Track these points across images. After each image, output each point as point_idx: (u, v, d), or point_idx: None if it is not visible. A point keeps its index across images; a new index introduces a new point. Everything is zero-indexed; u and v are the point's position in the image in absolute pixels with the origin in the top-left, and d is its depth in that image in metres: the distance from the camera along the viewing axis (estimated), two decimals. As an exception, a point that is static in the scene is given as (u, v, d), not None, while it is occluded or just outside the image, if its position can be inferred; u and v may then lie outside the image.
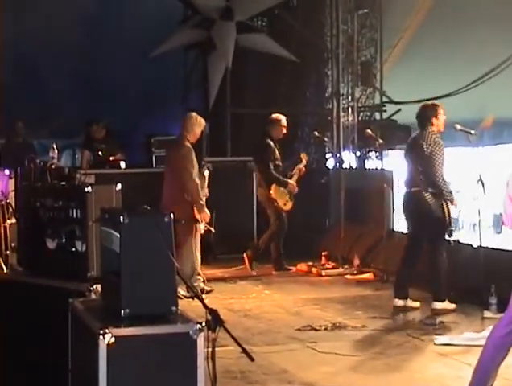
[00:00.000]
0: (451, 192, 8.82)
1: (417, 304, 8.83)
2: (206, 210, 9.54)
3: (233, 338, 4.21)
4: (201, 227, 9.61)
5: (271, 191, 11.01)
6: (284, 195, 11.11)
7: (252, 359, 4.30)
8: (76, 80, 15.05)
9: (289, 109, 13.02)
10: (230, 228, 11.83)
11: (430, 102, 9.34)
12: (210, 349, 4.04)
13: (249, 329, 8.07)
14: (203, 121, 9.77)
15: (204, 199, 9.55)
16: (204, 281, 9.83)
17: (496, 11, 14.50)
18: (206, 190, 9.80)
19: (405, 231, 10.38)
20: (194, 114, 9.82)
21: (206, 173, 9.90)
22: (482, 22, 14.73)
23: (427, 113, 8.80)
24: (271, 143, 10.92)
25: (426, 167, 8.64)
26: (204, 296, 9.13)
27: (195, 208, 9.43)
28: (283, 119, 10.97)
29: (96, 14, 15.25)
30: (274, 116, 11.03)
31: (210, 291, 9.80)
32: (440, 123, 8.77)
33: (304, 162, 11.23)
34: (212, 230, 10.32)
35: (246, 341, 7.08)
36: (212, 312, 4.13)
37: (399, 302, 8.82)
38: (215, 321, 4.09)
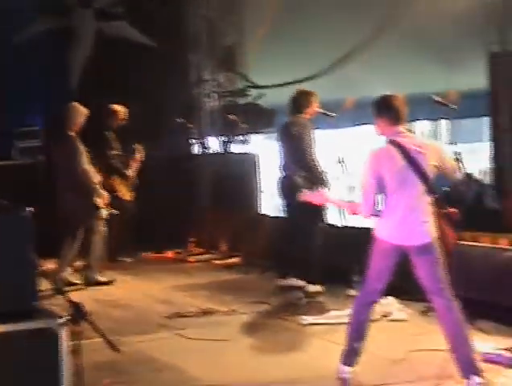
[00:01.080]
0: (323, 176, 8.96)
1: (300, 283, 8.93)
2: (103, 192, 9.71)
3: (98, 329, 4.19)
4: (104, 212, 9.73)
5: (111, 181, 10.86)
6: (123, 184, 11.02)
7: (117, 350, 4.29)
8: None
9: (152, 97, 12.94)
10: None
11: (304, 89, 9.40)
12: (75, 342, 3.99)
13: (118, 319, 8.01)
14: (84, 110, 9.78)
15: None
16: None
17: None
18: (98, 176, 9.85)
19: (273, 214, 10.52)
20: (75, 104, 9.84)
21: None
22: (341, 5, 15.03)
23: (302, 99, 8.89)
24: (109, 133, 10.81)
25: (297, 152, 8.73)
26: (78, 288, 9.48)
27: (94, 195, 9.57)
28: (121, 110, 10.91)
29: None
30: (111, 106, 10.94)
31: (76, 283, 9.76)
32: (313, 110, 8.86)
33: (139, 152, 11.06)
34: (116, 212, 10.21)
35: (115, 331, 7.00)
36: (76, 305, 4.09)
37: (282, 282, 8.91)
38: (78, 314, 4.05)
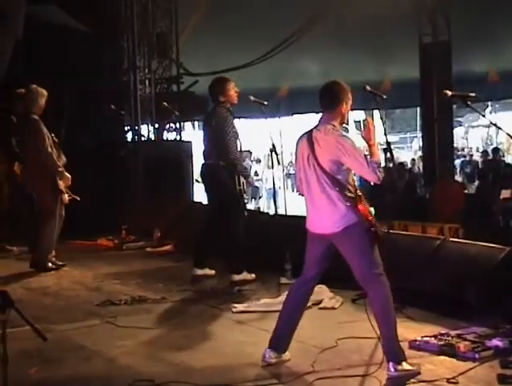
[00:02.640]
0: (244, 166, 8.97)
1: (212, 272, 8.97)
2: (66, 174, 9.69)
3: (24, 317, 4.15)
4: (65, 197, 9.67)
5: (15, 168, 10.72)
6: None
7: (44, 338, 4.26)
8: None
9: (84, 82, 12.81)
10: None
11: (220, 76, 9.38)
12: (0, 331, 3.94)
13: (48, 307, 7.92)
14: (44, 92, 9.72)
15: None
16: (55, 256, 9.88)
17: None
18: (64, 157, 9.84)
19: (204, 202, 10.51)
20: (34, 86, 9.73)
21: None
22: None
23: (216, 88, 8.86)
24: (14, 119, 10.53)
25: (217, 141, 8.72)
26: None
27: (57, 178, 9.51)
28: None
29: None
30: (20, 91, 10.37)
31: (63, 265, 9.81)
32: (231, 97, 8.83)
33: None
34: (78, 198, 10.07)
35: (44, 319, 6.99)
36: (2, 293, 4.04)
37: (198, 271, 8.94)
38: (5, 302, 4.00)
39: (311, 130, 5.65)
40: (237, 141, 8.70)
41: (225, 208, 8.78)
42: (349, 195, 5.50)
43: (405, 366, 5.40)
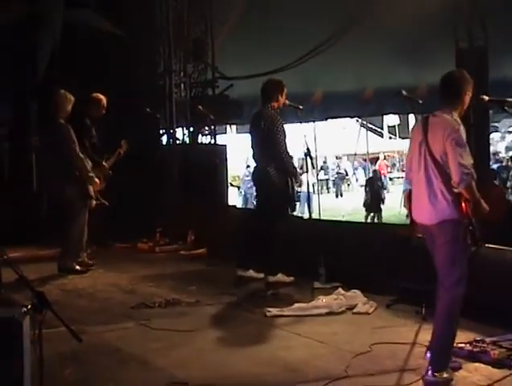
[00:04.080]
0: (294, 168, 8.96)
1: (260, 275, 8.94)
2: (96, 180, 9.84)
3: (60, 319, 4.17)
4: (93, 203, 9.81)
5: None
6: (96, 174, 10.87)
7: (80, 340, 4.28)
8: None
9: (121, 86, 12.87)
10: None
11: (274, 78, 9.39)
12: (37, 331, 3.98)
13: (83, 309, 7.98)
14: (72, 98, 9.81)
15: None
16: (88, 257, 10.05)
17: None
18: (90, 162, 9.96)
19: (239, 205, 10.53)
20: (63, 91, 9.82)
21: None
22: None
23: (271, 89, 8.88)
24: (87, 122, 10.44)
25: (266, 143, 8.72)
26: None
27: (87, 183, 9.66)
28: (104, 99, 10.50)
29: None
30: (95, 95, 10.52)
31: (92, 265, 9.98)
32: (282, 100, 8.85)
33: (124, 148, 10.87)
34: (106, 203, 10.15)
35: (79, 321, 7.01)
36: (38, 294, 4.07)
37: (241, 273, 8.92)
38: (41, 303, 4.04)
39: (428, 116, 5.54)
40: (286, 142, 8.69)
41: (272, 210, 8.78)
42: (454, 189, 5.35)
43: (444, 375, 5.33)
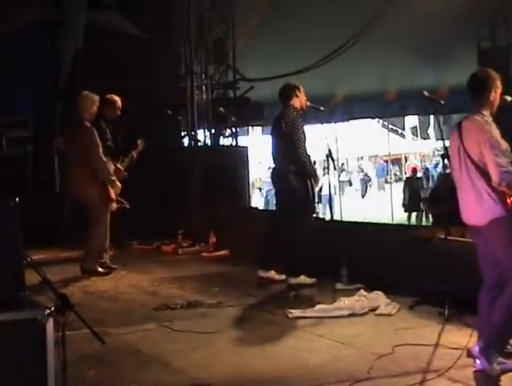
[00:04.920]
0: (314, 170, 8.96)
1: (282, 277, 8.93)
2: (118, 183, 9.82)
3: (83, 321, 4.18)
4: (114, 206, 9.81)
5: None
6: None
7: (103, 342, 4.29)
8: None
9: (142, 88, 12.92)
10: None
11: (292, 81, 9.41)
12: (60, 333, 3.99)
13: (105, 310, 8.00)
14: (96, 98, 9.77)
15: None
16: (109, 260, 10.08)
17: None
18: (112, 165, 10.01)
19: (261, 207, 10.53)
20: (87, 93, 9.78)
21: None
22: (328, 2, 15.07)
23: (287, 92, 8.90)
24: (103, 124, 10.21)
25: (287, 145, 8.73)
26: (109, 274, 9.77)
27: (108, 186, 9.65)
28: (119, 100, 10.37)
29: None
30: (110, 96, 10.35)
31: (115, 268, 9.97)
32: (302, 101, 8.87)
33: (140, 148, 10.82)
34: (127, 206, 10.21)
35: (102, 323, 7.06)
36: (61, 296, 4.08)
37: (263, 274, 8.93)
38: (64, 305, 4.05)
39: (461, 121, 5.60)
40: (306, 144, 8.69)
41: (293, 212, 8.77)
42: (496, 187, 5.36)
43: (496, 364, 5.38)
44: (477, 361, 5.41)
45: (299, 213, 8.75)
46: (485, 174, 5.38)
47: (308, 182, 8.69)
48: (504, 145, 5.37)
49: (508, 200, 5.33)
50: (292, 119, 8.72)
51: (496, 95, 5.61)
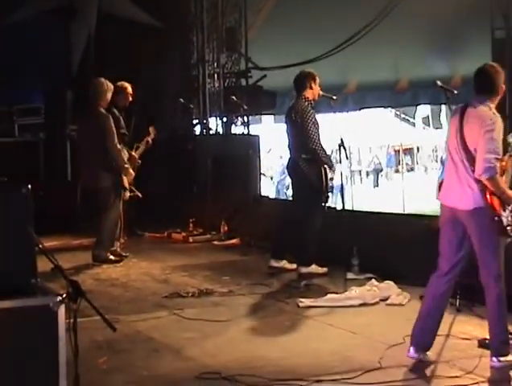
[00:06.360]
0: (329, 158, 8.95)
1: (293, 266, 8.93)
2: (131, 171, 9.87)
3: (95, 308, 4.19)
4: (127, 194, 9.84)
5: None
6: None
7: (114, 329, 4.28)
8: None
9: (154, 77, 12.92)
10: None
11: (305, 70, 9.37)
12: (72, 320, 4.00)
13: (116, 298, 8.01)
14: (111, 86, 9.73)
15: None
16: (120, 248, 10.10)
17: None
18: (126, 152, 10.02)
19: (272, 195, 10.52)
20: (102, 80, 9.71)
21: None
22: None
23: (302, 80, 8.88)
24: (116, 112, 10.13)
25: (300, 134, 8.74)
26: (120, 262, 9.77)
27: (122, 173, 9.64)
28: (129, 87, 10.28)
29: None
30: (120, 83, 10.23)
31: (126, 256, 9.98)
32: (315, 91, 8.85)
33: (152, 135, 10.66)
34: (140, 195, 10.22)
35: (113, 310, 7.08)
36: (73, 283, 4.09)
37: (275, 263, 8.94)
38: (75, 292, 4.05)
39: (466, 105, 5.59)
40: (319, 132, 8.68)
41: (306, 201, 8.76)
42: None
43: (509, 358, 5.47)
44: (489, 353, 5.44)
45: (312, 201, 8.75)
46: (473, 163, 5.42)
47: (322, 170, 8.67)
48: (500, 142, 5.39)
49: (487, 195, 5.36)
50: (302, 109, 8.73)
51: (501, 90, 5.62)
